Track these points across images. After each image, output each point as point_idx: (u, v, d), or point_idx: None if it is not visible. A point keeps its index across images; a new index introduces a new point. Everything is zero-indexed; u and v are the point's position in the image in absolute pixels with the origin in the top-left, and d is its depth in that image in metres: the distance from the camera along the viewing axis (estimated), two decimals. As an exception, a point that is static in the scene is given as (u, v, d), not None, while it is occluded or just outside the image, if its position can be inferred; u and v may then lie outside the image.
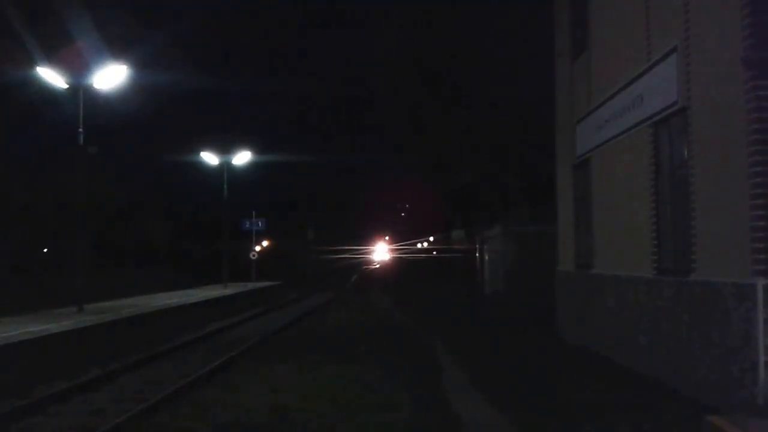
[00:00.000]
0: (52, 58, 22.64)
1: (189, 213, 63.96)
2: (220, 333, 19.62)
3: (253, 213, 44.85)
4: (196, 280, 41.46)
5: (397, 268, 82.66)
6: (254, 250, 45.90)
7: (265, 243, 67.73)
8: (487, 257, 34.28)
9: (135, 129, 53.02)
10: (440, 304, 28.09)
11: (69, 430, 8.93)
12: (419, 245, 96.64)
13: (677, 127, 9.86)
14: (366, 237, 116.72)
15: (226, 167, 37.51)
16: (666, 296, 9.96)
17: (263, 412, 9.33)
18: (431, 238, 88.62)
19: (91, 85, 20.98)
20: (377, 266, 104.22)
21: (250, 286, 39.99)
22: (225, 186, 37.45)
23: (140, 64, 33.58)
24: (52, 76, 20.60)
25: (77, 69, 21.06)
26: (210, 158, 37.19)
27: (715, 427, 6.89)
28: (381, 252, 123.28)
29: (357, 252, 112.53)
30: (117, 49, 30.67)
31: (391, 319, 23.06)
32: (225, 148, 38.12)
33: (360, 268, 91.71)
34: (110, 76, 21.05)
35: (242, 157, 38.20)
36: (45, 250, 53.05)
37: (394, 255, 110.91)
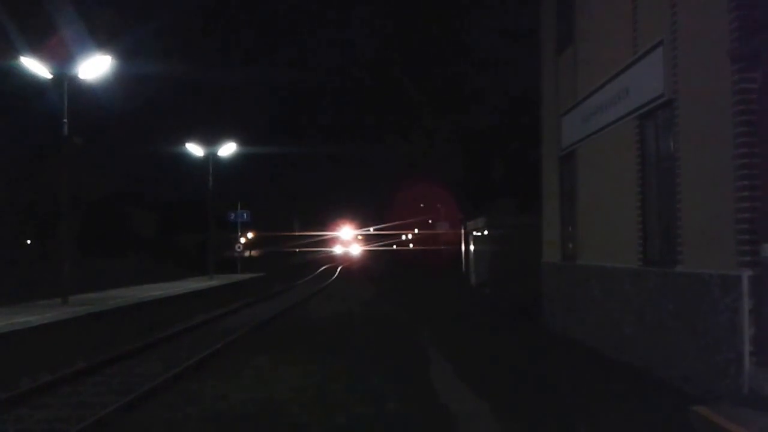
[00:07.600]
0: (37, 48, 22.41)
1: (175, 204, 63.74)
2: (207, 324, 19.54)
3: (239, 204, 44.66)
4: (183, 272, 41.32)
5: (374, 263, 78.38)
6: (240, 243, 45.71)
7: (250, 234, 67.50)
8: (472, 249, 34.35)
9: (121, 119, 52.79)
10: (426, 295, 28.17)
11: (56, 421, 8.87)
12: (403, 237, 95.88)
13: (663, 120, 9.92)
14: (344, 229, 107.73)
15: (211, 159, 37.38)
16: (652, 287, 10.04)
17: (252, 404, 9.34)
18: (416, 230, 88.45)
19: (76, 75, 20.80)
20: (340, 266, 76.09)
21: (236, 277, 39.92)
22: (210, 177, 37.33)
23: (125, 54, 33.41)
24: (36, 66, 20.41)
25: (62, 59, 20.88)
26: (195, 149, 37.02)
27: (701, 416, 6.98)
28: (347, 245, 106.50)
29: (326, 244, 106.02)
30: (102, 39, 30.44)
31: (377, 311, 23.07)
32: (211, 139, 38.01)
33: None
34: (95, 67, 20.88)
35: (228, 149, 38.08)
36: (29, 241, 52.71)
37: (369, 248, 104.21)
